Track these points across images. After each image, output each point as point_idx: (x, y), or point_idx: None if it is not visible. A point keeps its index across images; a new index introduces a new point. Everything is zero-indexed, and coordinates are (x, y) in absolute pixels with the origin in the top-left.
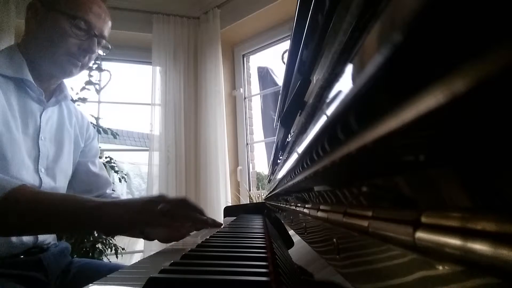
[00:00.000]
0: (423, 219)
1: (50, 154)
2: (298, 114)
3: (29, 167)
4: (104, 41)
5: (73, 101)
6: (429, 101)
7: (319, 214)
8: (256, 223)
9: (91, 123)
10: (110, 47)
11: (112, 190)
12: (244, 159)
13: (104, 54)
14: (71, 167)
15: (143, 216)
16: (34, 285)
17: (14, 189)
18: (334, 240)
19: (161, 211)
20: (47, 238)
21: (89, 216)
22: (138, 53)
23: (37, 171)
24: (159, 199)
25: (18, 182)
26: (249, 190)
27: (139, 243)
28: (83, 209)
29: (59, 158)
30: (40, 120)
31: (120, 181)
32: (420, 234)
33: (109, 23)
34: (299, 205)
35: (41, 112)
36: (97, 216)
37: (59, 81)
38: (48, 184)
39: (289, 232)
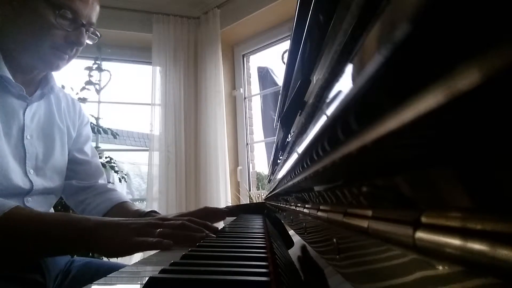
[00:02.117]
0: (423, 219)
1: (39, 153)
2: (298, 114)
3: (16, 170)
4: (92, 29)
5: None
6: (429, 101)
7: (319, 214)
8: (256, 223)
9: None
10: (99, 34)
11: (110, 182)
12: (244, 159)
13: (92, 43)
14: (65, 163)
15: (139, 241)
16: (32, 286)
17: (6, 214)
18: (334, 240)
19: (160, 234)
20: None
21: (81, 239)
22: (138, 53)
23: (25, 173)
24: (158, 223)
25: (10, 204)
26: (249, 190)
27: None
28: (75, 232)
29: (50, 156)
30: (24, 118)
31: (120, 181)
32: (420, 234)
33: (97, 8)
34: (299, 205)
35: (25, 108)
36: (88, 239)
37: (43, 73)
38: (40, 185)
39: (289, 232)
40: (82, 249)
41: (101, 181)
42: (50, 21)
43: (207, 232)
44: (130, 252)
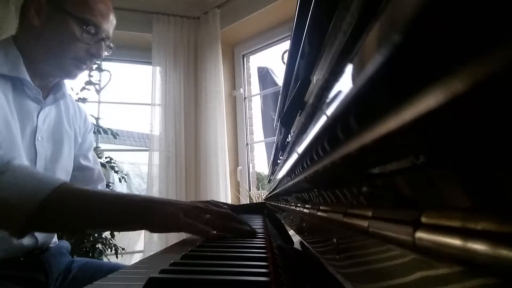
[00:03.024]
0: (423, 219)
1: (48, 154)
2: (298, 114)
3: None
4: (108, 41)
5: None
6: (429, 101)
7: (319, 214)
8: (256, 223)
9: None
10: (112, 46)
11: (110, 183)
12: (244, 159)
13: (108, 54)
14: (71, 166)
15: (189, 222)
16: (34, 286)
17: (56, 189)
18: (334, 240)
19: (209, 221)
20: (48, 240)
21: (135, 213)
22: (138, 53)
23: None
24: (205, 209)
25: (58, 180)
26: (249, 190)
27: (139, 243)
28: (129, 207)
29: (58, 158)
30: (37, 120)
31: (120, 181)
32: (420, 234)
33: (114, 22)
34: (299, 205)
35: (38, 111)
36: (143, 214)
37: (58, 79)
38: None
39: (289, 232)
40: (133, 224)
41: (100, 186)
42: (76, 35)
43: (247, 227)
44: (178, 229)
